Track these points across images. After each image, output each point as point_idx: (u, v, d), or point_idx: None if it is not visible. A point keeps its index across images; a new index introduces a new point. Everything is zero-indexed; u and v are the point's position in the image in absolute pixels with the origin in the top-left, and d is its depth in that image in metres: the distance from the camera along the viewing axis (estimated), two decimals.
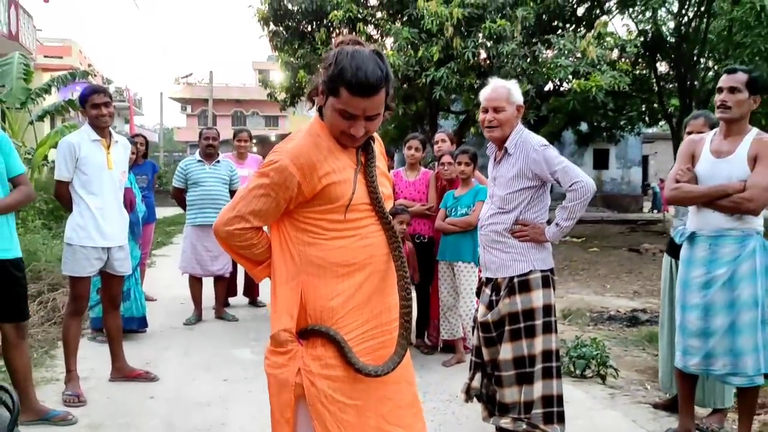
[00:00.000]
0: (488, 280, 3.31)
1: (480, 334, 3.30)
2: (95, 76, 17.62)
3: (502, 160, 3.26)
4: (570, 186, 3.07)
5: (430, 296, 5.23)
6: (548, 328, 3.14)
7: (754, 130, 3.27)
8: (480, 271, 4.94)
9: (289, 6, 13.21)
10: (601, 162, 29.10)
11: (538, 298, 3.13)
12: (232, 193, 6.36)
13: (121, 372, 4.40)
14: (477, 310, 3.47)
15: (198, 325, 6.10)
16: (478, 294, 3.49)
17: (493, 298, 3.26)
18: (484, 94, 3.28)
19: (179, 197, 6.44)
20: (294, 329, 1.93)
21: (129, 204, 4.77)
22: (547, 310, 3.15)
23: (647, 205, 29.97)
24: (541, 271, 3.18)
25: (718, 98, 3.27)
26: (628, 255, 13.19)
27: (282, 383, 1.94)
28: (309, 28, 13.68)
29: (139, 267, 5.88)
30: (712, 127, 3.64)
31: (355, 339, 1.93)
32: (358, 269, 1.94)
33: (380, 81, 1.84)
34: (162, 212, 7.84)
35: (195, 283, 6.31)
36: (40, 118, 13.06)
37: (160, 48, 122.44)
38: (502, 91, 3.22)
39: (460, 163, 4.80)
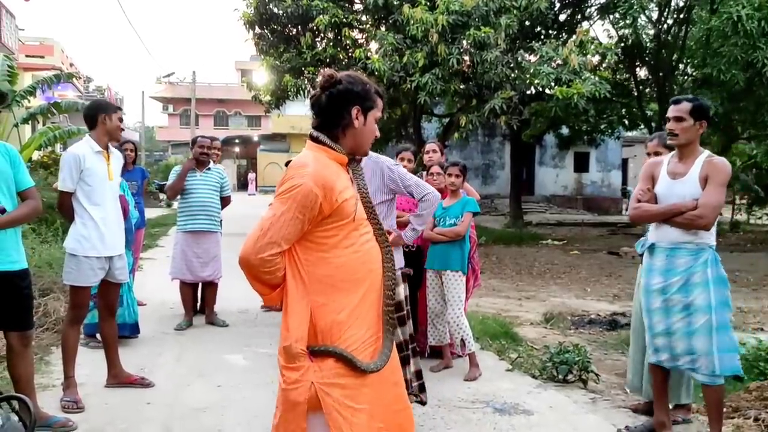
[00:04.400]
0: None
1: None
2: (80, 78, 17.50)
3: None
4: (423, 197, 3.69)
5: (418, 303, 5.36)
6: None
7: (705, 153, 3.58)
8: (467, 279, 5.11)
9: (275, 10, 13.29)
10: (581, 165, 29.51)
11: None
12: (222, 200, 6.47)
13: (118, 378, 4.47)
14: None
15: (189, 330, 6.17)
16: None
17: None
18: None
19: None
20: (305, 343, 2.08)
21: (123, 211, 4.85)
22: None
23: (626, 207, 30.42)
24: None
25: (666, 127, 3.61)
26: (607, 258, 13.46)
27: (297, 398, 2.08)
28: (294, 32, 13.78)
29: (132, 273, 5.95)
30: (666, 146, 3.97)
31: (361, 346, 2.11)
32: (360, 283, 2.12)
33: None
34: (146, 214, 7.91)
35: (186, 289, 6.38)
36: (26, 121, 12.98)
37: (144, 50, 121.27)
38: None
39: (450, 175, 4.94)
